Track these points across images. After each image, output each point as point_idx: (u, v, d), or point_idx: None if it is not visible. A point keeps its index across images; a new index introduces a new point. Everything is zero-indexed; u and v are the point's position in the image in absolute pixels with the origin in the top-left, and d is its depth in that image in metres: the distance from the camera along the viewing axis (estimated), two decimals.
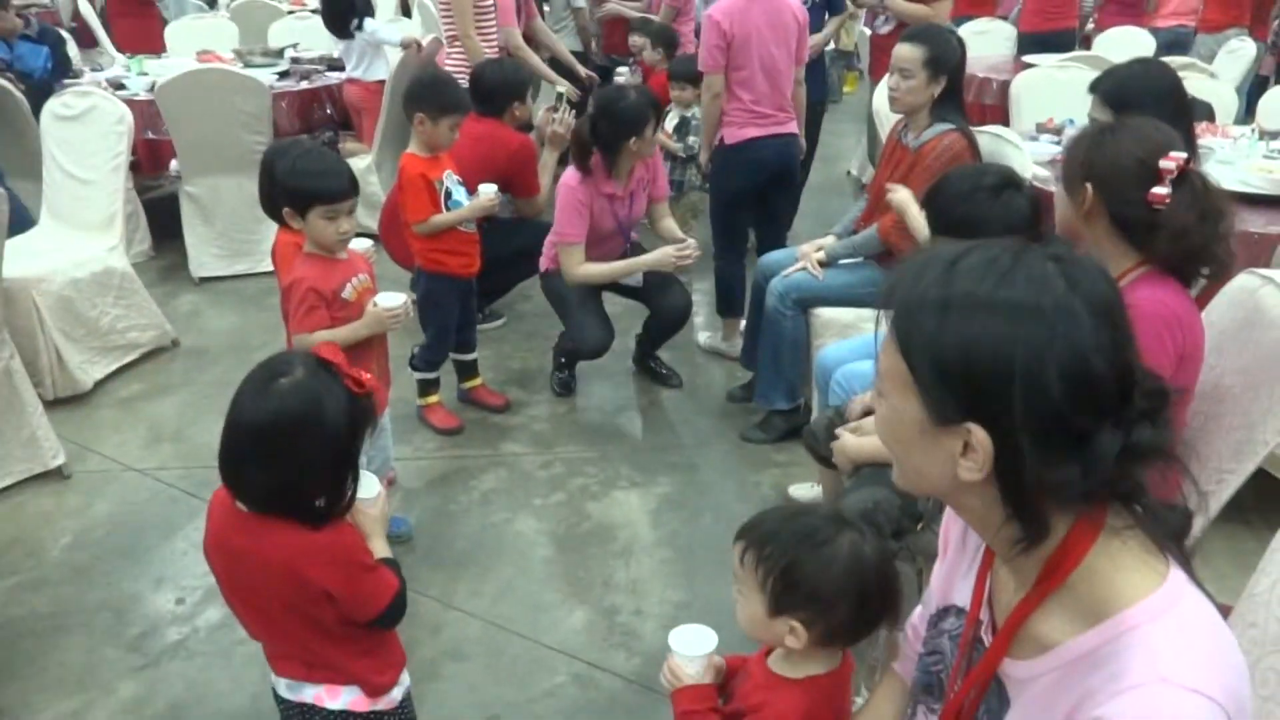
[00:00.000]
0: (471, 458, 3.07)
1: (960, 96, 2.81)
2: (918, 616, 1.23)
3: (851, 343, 2.62)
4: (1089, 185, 1.61)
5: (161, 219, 4.83)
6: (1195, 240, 1.55)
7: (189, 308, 4.22)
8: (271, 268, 4.38)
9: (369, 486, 1.50)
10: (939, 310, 0.83)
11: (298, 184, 2.14)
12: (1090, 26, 7.49)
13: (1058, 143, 3.76)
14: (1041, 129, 3.88)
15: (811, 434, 2.28)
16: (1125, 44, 6.21)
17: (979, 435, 0.81)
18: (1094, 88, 2.29)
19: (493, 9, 4.31)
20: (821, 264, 2.96)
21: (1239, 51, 6.03)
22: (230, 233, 4.45)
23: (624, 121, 3.03)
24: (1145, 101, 2.16)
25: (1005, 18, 7.29)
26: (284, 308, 2.26)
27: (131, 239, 4.33)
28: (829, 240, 3.05)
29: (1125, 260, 1.64)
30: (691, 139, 4.39)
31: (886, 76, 3.80)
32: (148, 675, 2.22)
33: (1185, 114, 2.23)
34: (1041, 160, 3.27)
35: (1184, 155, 1.55)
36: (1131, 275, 1.64)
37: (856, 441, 2.00)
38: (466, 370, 3.34)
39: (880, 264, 2.93)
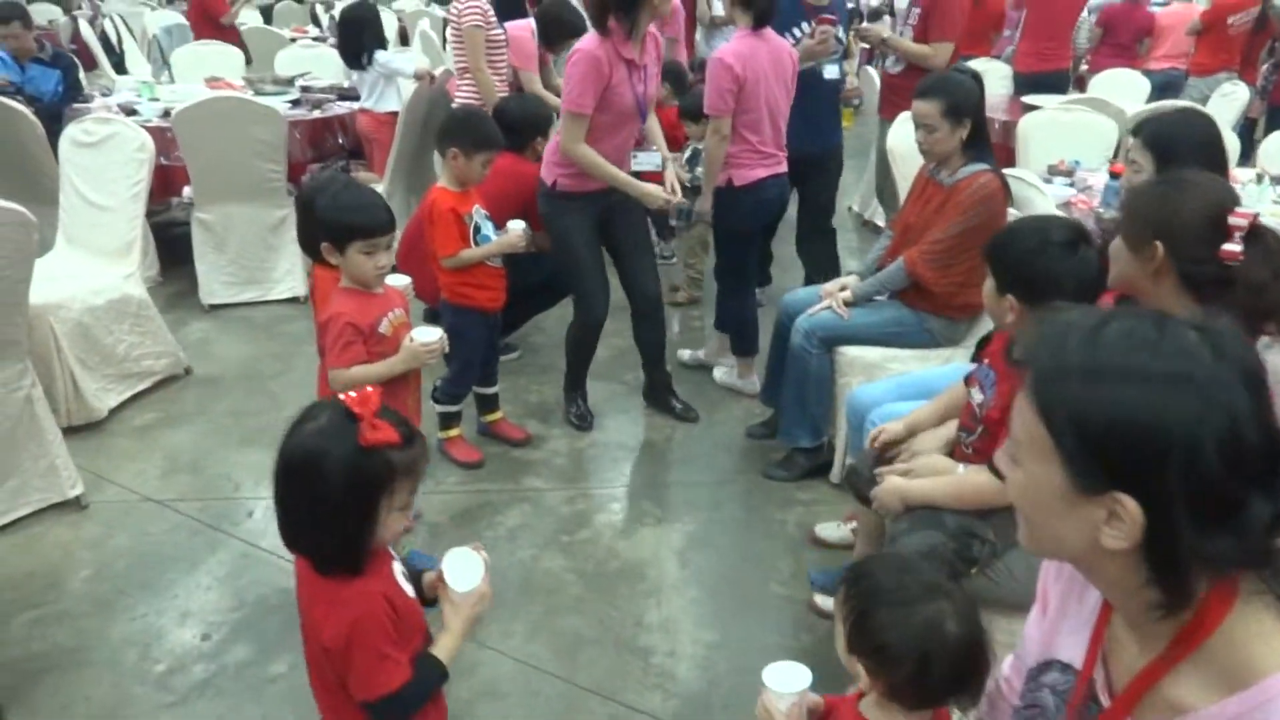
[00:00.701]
0: (494, 492, 3.05)
1: (986, 134, 2.84)
2: (1009, 667, 1.23)
3: (884, 384, 2.64)
4: (1158, 243, 1.63)
5: (169, 245, 4.81)
6: (1274, 296, 1.56)
7: (199, 335, 4.19)
8: (281, 296, 4.49)
9: (467, 578, 1.48)
10: (1088, 379, 0.83)
11: (337, 219, 2.14)
12: (1084, 67, 7.63)
13: (1071, 184, 3.83)
14: (1054, 171, 3.95)
15: (855, 472, 2.28)
16: (1121, 85, 6.34)
17: (1129, 505, 0.81)
18: (1136, 132, 2.33)
19: (504, 44, 4.35)
20: (847, 303, 2.98)
21: (1232, 95, 6.16)
22: (241, 260, 4.44)
23: None
24: (1187, 150, 2.20)
25: (999, 57, 7.41)
26: (320, 342, 2.26)
27: (141, 262, 4.31)
28: (852, 279, 3.08)
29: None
30: (700, 170, 4.42)
31: (902, 116, 3.91)
32: (177, 713, 2.18)
33: (1224, 165, 2.28)
34: (1060, 203, 3.32)
35: (1253, 211, 1.58)
36: None
37: (908, 484, 2.01)
38: (488, 404, 3.33)
39: (905, 301, 2.95)
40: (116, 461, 3.18)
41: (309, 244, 2.26)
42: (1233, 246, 1.56)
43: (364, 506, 1.34)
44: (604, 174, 3.06)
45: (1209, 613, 0.84)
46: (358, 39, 4.84)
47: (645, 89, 3.11)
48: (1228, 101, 6.07)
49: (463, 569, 1.48)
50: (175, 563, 2.68)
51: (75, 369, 3.25)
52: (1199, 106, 5.36)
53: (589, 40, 2.99)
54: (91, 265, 3.52)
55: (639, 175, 3.23)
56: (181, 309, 4.42)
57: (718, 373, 3.89)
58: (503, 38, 4.31)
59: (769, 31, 3.39)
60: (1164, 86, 6.95)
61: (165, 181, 4.41)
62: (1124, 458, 0.81)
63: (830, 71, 3.92)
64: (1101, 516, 0.84)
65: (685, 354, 3.99)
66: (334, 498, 1.32)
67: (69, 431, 3.15)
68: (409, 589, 1.52)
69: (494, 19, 4.18)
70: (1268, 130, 6.83)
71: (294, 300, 4.50)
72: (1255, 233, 1.57)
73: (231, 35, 7.29)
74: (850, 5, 4.28)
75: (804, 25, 3.81)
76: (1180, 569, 0.82)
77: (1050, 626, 1.10)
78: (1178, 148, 2.22)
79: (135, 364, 3.53)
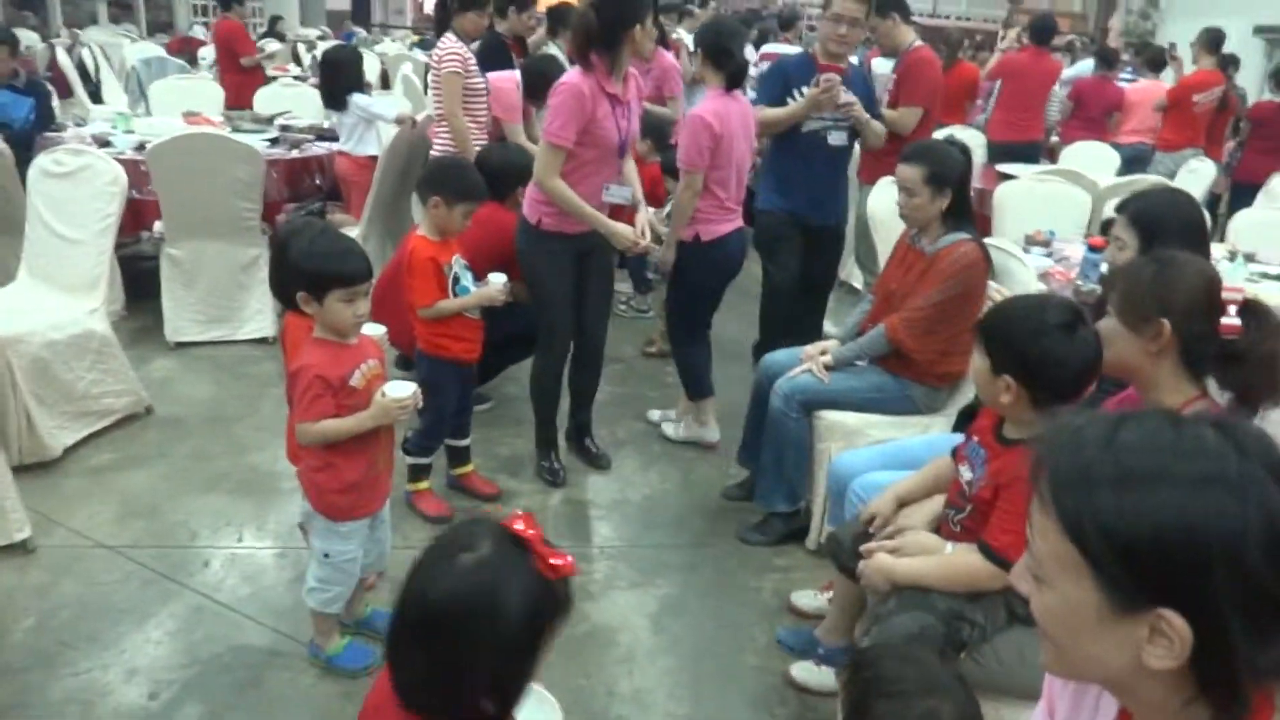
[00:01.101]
0: None
1: (969, 206, 2.85)
2: None
3: (866, 452, 2.60)
4: (1165, 321, 1.62)
5: (135, 279, 4.71)
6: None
7: (163, 373, 4.08)
8: (250, 336, 4.40)
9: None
10: (1115, 487, 0.78)
11: (316, 266, 2.07)
12: (1055, 138, 7.80)
13: (1049, 255, 3.87)
14: (1031, 241, 3.98)
15: (836, 542, 2.24)
16: (1092, 158, 6.47)
17: (1176, 622, 0.76)
18: (1121, 209, 2.34)
19: (484, 93, 4.34)
20: (828, 367, 2.95)
21: (1199, 171, 6.30)
22: (210, 298, 4.35)
23: (628, 6, 2.93)
24: (1173, 230, 2.21)
25: (972, 125, 7.56)
26: (289, 393, 2.18)
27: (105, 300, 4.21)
28: (833, 343, 3.06)
29: (1184, 394, 1.66)
30: None
31: (883, 181, 3.93)
32: None
33: (1206, 245, 2.29)
34: (1038, 274, 3.34)
35: (1241, 286, 1.58)
36: (1192, 407, 1.64)
37: (895, 563, 1.96)
38: (458, 456, 3.25)
39: (887, 367, 2.93)
40: (68, 503, 3.05)
41: (282, 291, 2.19)
42: (1232, 320, 1.56)
43: (538, 651, 1.17)
44: (575, 209, 3.03)
45: None
46: (337, 80, 4.82)
47: (628, 125, 3.11)
48: (1195, 177, 6.20)
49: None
50: (124, 615, 2.55)
51: (30, 405, 3.13)
52: (1179, 186, 5.50)
53: (571, 74, 3.01)
54: (55, 299, 3.42)
55: (611, 207, 3.21)
56: (145, 345, 4.31)
57: (668, 428, 3.86)
58: (483, 86, 4.30)
59: (738, 93, 3.45)
60: (1132, 160, 7.12)
61: (136, 215, 4.33)
62: (1165, 570, 0.76)
63: (836, 138, 3.62)
64: (1143, 635, 0.78)
65: (655, 414, 3.93)
66: (513, 643, 1.14)
67: (20, 470, 3.02)
68: None
69: (474, 67, 4.18)
70: (1232, 206, 7.00)
71: (262, 341, 4.41)
72: (1248, 307, 1.57)
73: (256, 76, 7.28)
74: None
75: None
76: (1235, 683, 0.77)
77: None
78: (1163, 227, 2.24)
79: (95, 402, 3.41)
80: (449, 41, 4.07)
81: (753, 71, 7.25)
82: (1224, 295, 1.59)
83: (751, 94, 3.83)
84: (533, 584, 1.15)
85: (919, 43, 4.67)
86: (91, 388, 3.38)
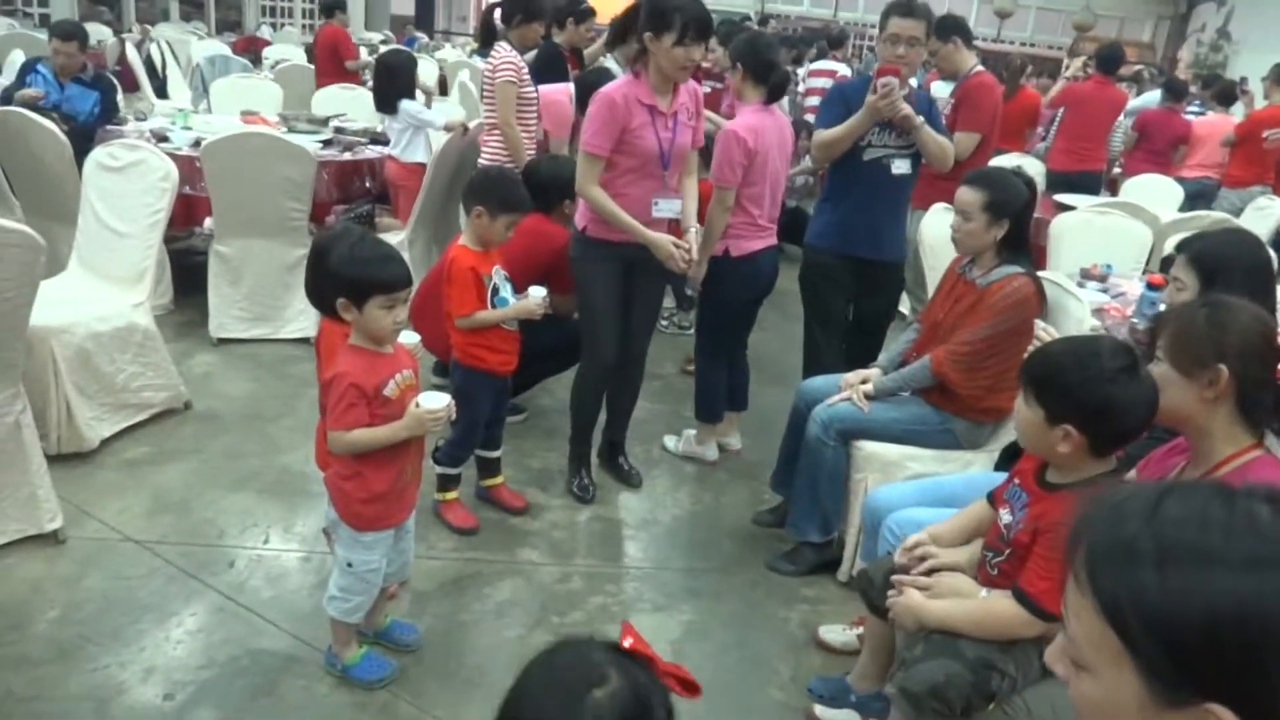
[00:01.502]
0: (486, 562, 2.93)
1: (1027, 239, 2.76)
2: None
3: (904, 486, 2.52)
4: (1223, 366, 1.53)
5: (186, 273, 4.77)
6: None
7: (204, 369, 4.11)
8: (292, 335, 4.42)
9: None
10: (1156, 568, 0.71)
11: (357, 273, 2.05)
12: (1117, 170, 7.61)
13: (1104, 290, 3.74)
14: (1086, 275, 3.86)
15: (867, 579, 2.17)
16: (1154, 191, 6.30)
17: (1225, 717, 0.69)
18: (1182, 249, 2.25)
19: (535, 103, 4.33)
20: (868, 396, 2.87)
21: (1268, 209, 6.09)
22: (255, 296, 4.38)
23: (650, 15, 2.86)
24: (1236, 272, 2.12)
25: (1031, 153, 7.40)
26: (322, 401, 2.16)
27: (154, 290, 4.26)
28: (874, 372, 2.97)
29: (1239, 443, 1.59)
30: None
31: (936, 207, 3.84)
32: None
33: (1272, 289, 2.18)
34: (1093, 309, 3.23)
35: None
36: (1247, 457, 1.57)
37: (928, 605, 1.88)
38: (489, 468, 3.22)
39: (929, 400, 2.85)
40: (101, 496, 3.07)
41: (319, 297, 2.17)
42: None
43: None
44: (613, 216, 2.98)
45: None
46: (390, 85, 4.85)
47: (674, 138, 3.02)
48: (1262, 215, 5.99)
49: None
50: (147, 611, 2.55)
51: (71, 395, 3.17)
52: (1244, 225, 5.32)
53: (617, 82, 3.01)
54: (101, 291, 3.46)
55: (666, 223, 3.14)
56: (189, 340, 4.35)
57: (668, 441, 3.82)
58: (534, 96, 4.29)
59: (775, 108, 3.40)
60: (1196, 195, 6.92)
61: (188, 211, 4.39)
62: (1214, 661, 0.69)
63: (899, 167, 3.33)
64: None
65: (670, 442, 3.84)
66: None
67: (55, 460, 3.04)
68: None
69: (528, 77, 4.17)
70: None
71: (304, 341, 4.42)
72: None
73: (355, 79, 7.46)
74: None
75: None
76: None
77: None
78: (1226, 269, 2.15)
79: (134, 395, 3.44)
80: (503, 50, 4.07)
81: (801, 87, 7.24)
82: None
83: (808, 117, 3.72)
84: (668, 709, 1.02)
85: (979, 68, 4.58)
86: (131, 380, 3.41)
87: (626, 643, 1.02)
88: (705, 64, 5.22)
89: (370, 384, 2.08)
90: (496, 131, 4.17)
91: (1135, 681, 0.73)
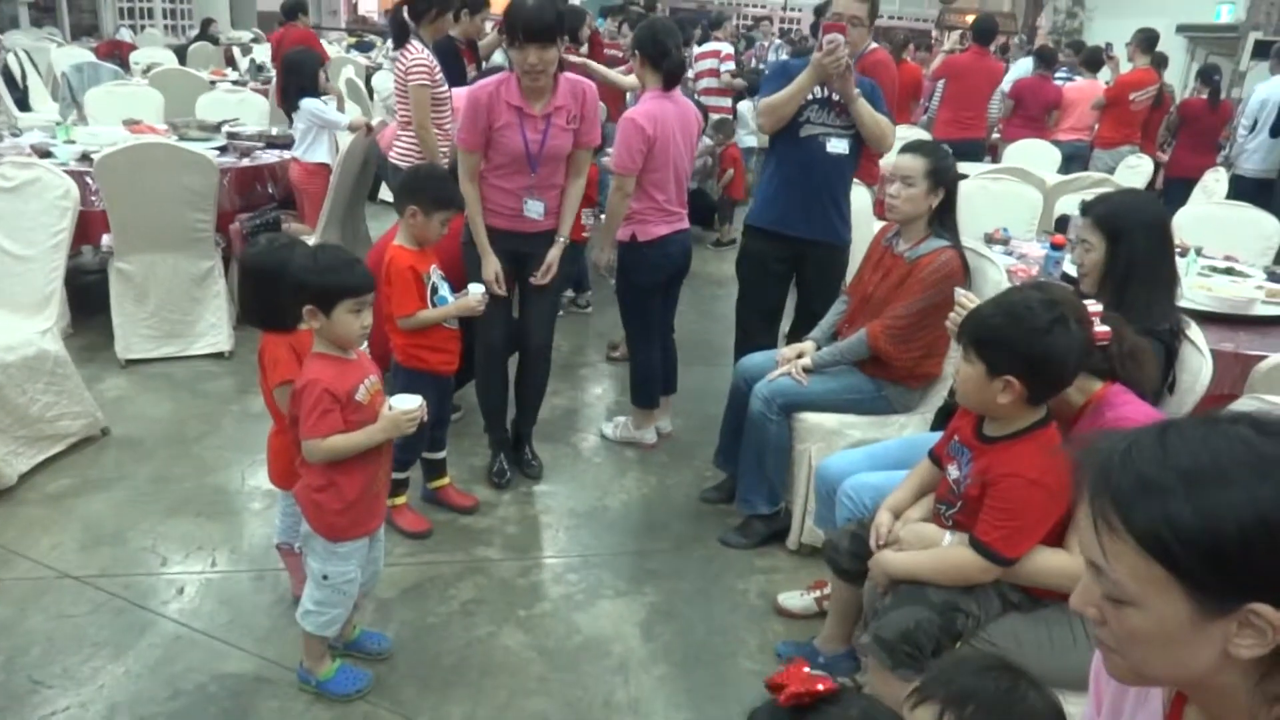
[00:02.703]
0: (444, 564, 2.92)
1: (954, 212, 2.89)
2: None
3: (852, 454, 2.63)
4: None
5: (77, 294, 4.54)
6: (1140, 358, 1.96)
7: (116, 393, 3.94)
8: (205, 351, 4.27)
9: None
10: (1185, 496, 0.80)
11: (324, 280, 2.05)
12: (996, 136, 7.98)
13: (1009, 253, 3.95)
14: (990, 240, 4.06)
15: (833, 547, 2.26)
16: (1033, 155, 6.63)
17: (1267, 613, 0.78)
18: (1085, 211, 2.39)
19: (448, 101, 4.28)
20: (806, 370, 2.97)
21: (1138, 167, 6.51)
22: (163, 312, 4.21)
23: (507, 24, 2.90)
24: (1137, 230, 2.27)
25: (917, 124, 7.70)
26: (292, 411, 2.13)
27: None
28: (809, 346, 3.08)
29: (1089, 390, 1.94)
30: None
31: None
32: None
33: (1171, 244, 2.36)
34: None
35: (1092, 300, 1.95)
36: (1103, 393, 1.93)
37: (895, 558, 2.00)
38: (435, 469, 3.20)
39: (861, 369, 2.96)
40: (29, 533, 2.92)
41: (279, 312, 2.15)
42: (1102, 329, 1.87)
43: None
44: (473, 220, 3.10)
45: None
46: (292, 82, 4.71)
47: (544, 140, 3.02)
48: (1134, 173, 6.40)
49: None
50: (99, 648, 2.45)
51: None
52: (1142, 190, 5.66)
53: (491, 79, 3.05)
54: (5, 319, 3.27)
55: (529, 234, 3.16)
56: (95, 363, 4.16)
57: (606, 428, 3.88)
58: (447, 95, 4.24)
59: (677, 93, 3.46)
60: (1072, 156, 7.31)
61: (82, 228, 4.15)
62: (1254, 564, 0.78)
63: (835, 146, 3.27)
64: (1232, 630, 0.80)
65: (608, 429, 3.89)
66: None
67: None
68: None
69: (440, 76, 4.11)
70: (1166, 202, 7.23)
71: (219, 356, 4.29)
72: (1106, 318, 1.90)
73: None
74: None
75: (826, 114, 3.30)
76: None
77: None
78: (1129, 228, 2.29)
79: (50, 425, 3.28)
80: (414, 50, 3.99)
81: (690, 72, 7.33)
82: (1090, 309, 1.85)
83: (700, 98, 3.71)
84: None
85: (874, 45, 4.73)
86: (46, 411, 3.25)
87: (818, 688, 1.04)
88: (618, 51, 5.26)
89: (342, 390, 2.08)
90: (408, 130, 4.10)
91: (1183, 601, 0.81)
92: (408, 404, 2.14)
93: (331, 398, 2.05)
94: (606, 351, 4.77)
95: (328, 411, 2.05)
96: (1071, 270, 3.40)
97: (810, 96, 3.24)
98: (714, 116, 7.26)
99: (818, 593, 2.76)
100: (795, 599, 2.79)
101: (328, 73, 7.06)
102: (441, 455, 3.21)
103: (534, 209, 3.12)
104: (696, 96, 7.30)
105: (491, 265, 3.10)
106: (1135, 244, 2.28)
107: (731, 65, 7.72)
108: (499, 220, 3.12)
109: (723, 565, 3.02)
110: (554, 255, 3.18)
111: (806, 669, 1.06)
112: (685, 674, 2.50)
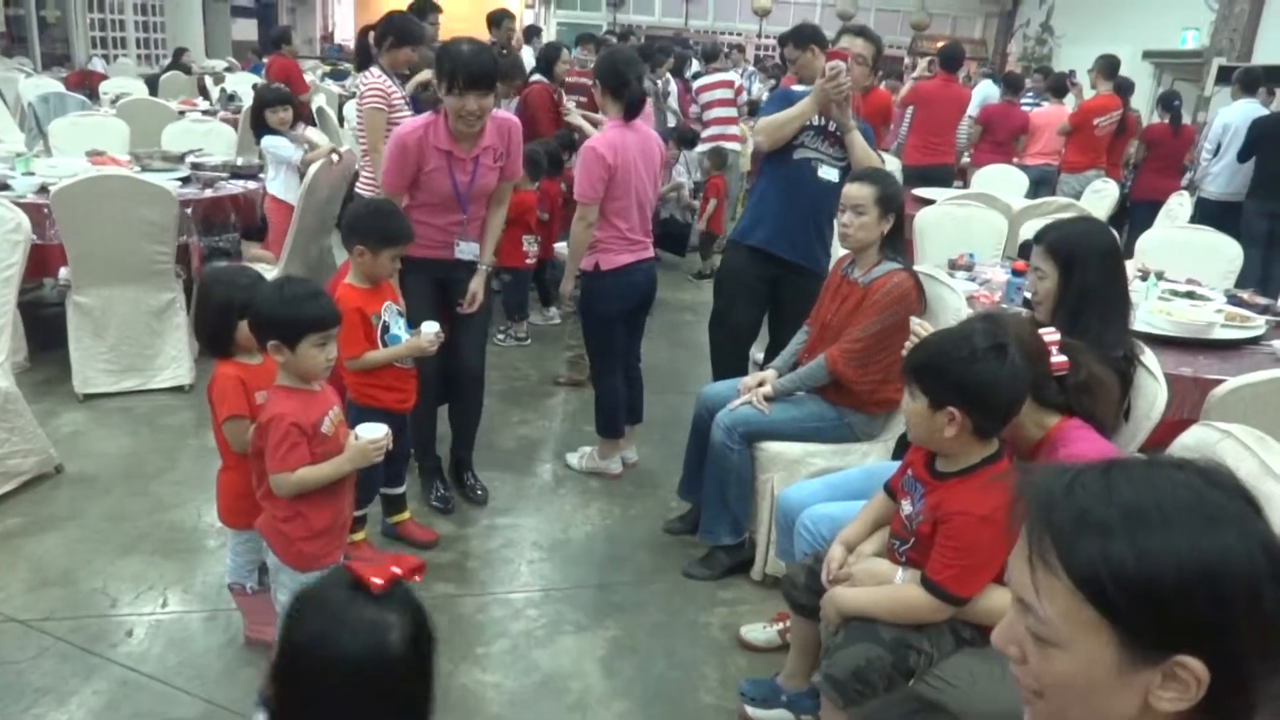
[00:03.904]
0: None
1: (902, 236, 2.90)
2: None
3: (811, 484, 2.61)
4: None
5: (35, 327, 4.48)
6: (1099, 390, 1.96)
7: (72, 428, 3.87)
8: (165, 384, 4.21)
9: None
10: (1126, 537, 0.77)
11: (290, 314, 2.05)
12: (966, 160, 8.05)
13: (972, 279, 3.96)
14: (954, 265, 4.07)
15: (790, 582, 2.24)
16: (1001, 180, 6.71)
17: (1194, 666, 0.76)
18: (1039, 239, 2.39)
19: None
20: (767, 398, 2.96)
21: (1103, 192, 6.58)
22: (122, 346, 4.15)
23: (436, 62, 2.92)
24: (1091, 258, 2.27)
25: (887, 150, 7.75)
26: (256, 444, 2.13)
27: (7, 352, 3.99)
28: (771, 374, 3.07)
29: (1046, 425, 1.92)
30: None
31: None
32: None
33: (1123, 272, 2.36)
34: (965, 297, 3.41)
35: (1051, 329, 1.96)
36: (1061, 427, 1.92)
37: (847, 595, 1.98)
38: (394, 504, 3.16)
39: (825, 397, 2.95)
40: None
41: (216, 341, 2.15)
42: (1059, 359, 1.87)
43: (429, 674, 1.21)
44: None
45: None
46: (255, 117, 4.70)
47: (472, 181, 3.09)
48: (1099, 198, 6.47)
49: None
50: (42, 695, 2.38)
51: None
52: (1084, 206, 5.71)
53: (417, 120, 3.05)
54: None
55: (458, 262, 3.20)
56: (52, 398, 4.09)
57: (571, 458, 3.84)
58: (404, 118, 4.22)
59: (638, 123, 3.46)
60: (1039, 181, 7.40)
61: (39, 261, 4.11)
62: (1189, 614, 0.75)
63: (825, 173, 3.36)
64: (1155, 681, 0.78)
65: (573, 459, 3.85)
66: (410, 675, 1.17)
67: None
68: None
69: (399, 102, 4.10)
70: (1132, 226, 7.32)
71: (179, 389, 4.24)
72: (1064, 347, 1.91)
73: (303, 110, 7.05)
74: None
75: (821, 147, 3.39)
76: (1245, 712, 0.78)
77: None
78: (1081, 255, 2.30)
79: (0, 464, 3.21)
80: (371, 76, 3.99)
81: (709, 96, 7.34)
82: (1046, 338, 1.86)
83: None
84: (416, 612, 1.21)
85: (880, 85, 4.77)
86: None
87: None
88: (588, 80, 5.30)
89: (308, 422, 2.09)
90: (368, 159, 4.09)
91: (1111, 646, 0.79)
92: (374, 433, 2.15)
93: (299, 430, 2.06)
94: (555, 379, 4.75)
95: (295, 445, 2.05)
96: None
97: (808, 122, 3.32)
98: (706, 146, 7.26)
99: (781, 625, 2.73)
100: (758, 632, 2.76)
101: (306, 105, 7.09)
102: (401, 490, 3.16)
103: (467, 250, 3.18)
104: (704, 127, 7.32)
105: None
106: (1088, 272, 2.27)
107: (745, 97, 7.73)
108: (426, 250, 3.10)
109: (685, 598, 2.98)
110: (477, 285, 3.21)
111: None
112: (644, 710, 2.46)
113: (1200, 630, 0.76)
